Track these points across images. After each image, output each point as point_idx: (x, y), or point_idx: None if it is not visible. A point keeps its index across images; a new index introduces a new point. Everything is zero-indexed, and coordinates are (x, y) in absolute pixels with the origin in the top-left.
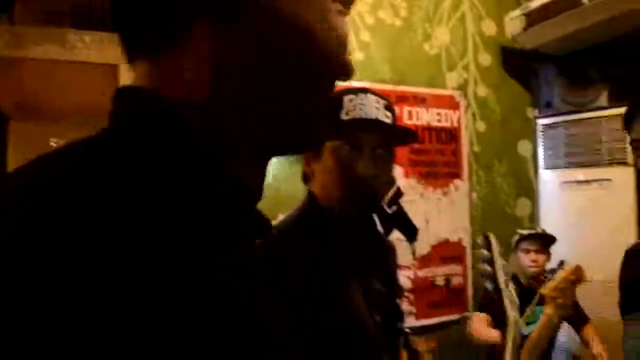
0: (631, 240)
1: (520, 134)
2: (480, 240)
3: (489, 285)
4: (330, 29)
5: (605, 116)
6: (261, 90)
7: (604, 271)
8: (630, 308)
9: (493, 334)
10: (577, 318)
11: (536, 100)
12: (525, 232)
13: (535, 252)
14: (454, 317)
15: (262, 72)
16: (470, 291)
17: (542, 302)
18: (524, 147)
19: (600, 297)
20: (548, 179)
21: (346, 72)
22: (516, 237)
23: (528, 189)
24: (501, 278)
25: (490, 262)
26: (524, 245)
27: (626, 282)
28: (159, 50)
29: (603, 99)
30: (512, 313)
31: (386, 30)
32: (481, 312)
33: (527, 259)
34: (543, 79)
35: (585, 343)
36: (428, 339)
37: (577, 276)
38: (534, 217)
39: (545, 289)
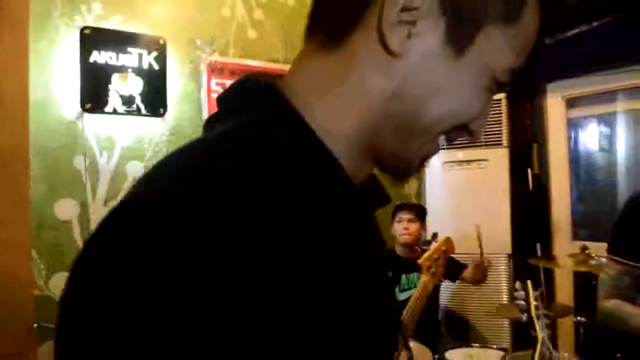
0: (506, 214)
1: None
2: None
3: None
4: (477, 108)
5: None
6: (403, 125)
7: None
8: (614, 249)
9: None
10: (456, 269)
11: None
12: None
13: (407, 220)
14: None
15: (423, 106)
16: None
17: (416, 269)
18: None
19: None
20: (433, 159)
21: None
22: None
23: None
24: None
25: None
26: (399, 214)
27: (619, 224)
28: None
29: None
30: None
31: (280, 9)
32: None
33: (400, 227)
34: None
35: (468, 275)
36: None
37: (448, 247)
38: (420, 194)
39: (422, 259)
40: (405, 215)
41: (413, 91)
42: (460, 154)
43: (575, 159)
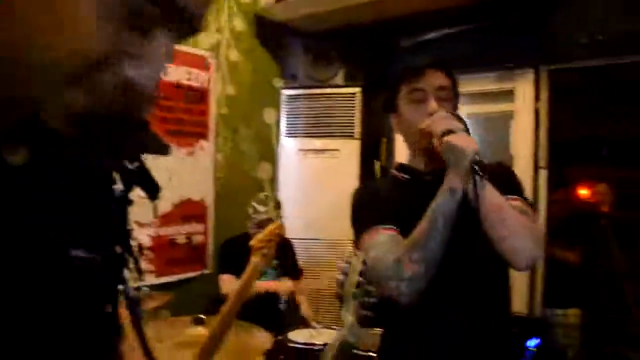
0: None
1: (267, 101)
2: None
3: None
4: None
5: (341, 93)
6: None
7: (329, 230)
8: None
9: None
10: (293, 270)
11: (283, 72)
12: (257, 217)
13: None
14: (194, 274)
15: None
16: (210, 248)
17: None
18: (269, 114)
19: (325, 252)
20: (288, 146)
21: None
22: (251, 215)
23: (270, 154)
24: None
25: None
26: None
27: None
28: None
29: (340, 78)
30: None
31: None
32: (226, 272)
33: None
34: (291, 52)
35: (296, 299)
36: (164, 295)
37: (280, 231)
38: (274, 180)
39: (253, 241)
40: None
41: None
42: (316, 143)
43: None
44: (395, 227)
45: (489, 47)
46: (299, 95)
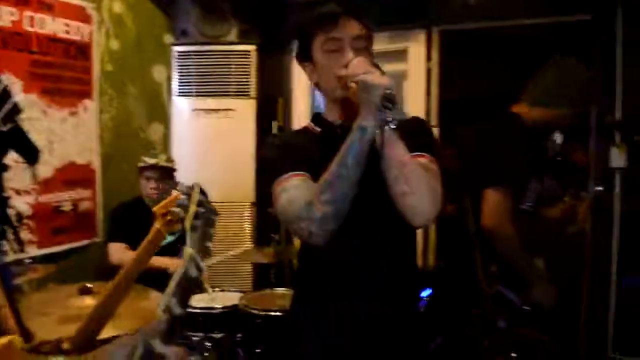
0: (251, 164)
1: (156, 58)
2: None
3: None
4: None
5: (235, 51)
6: None
7: (226, 192)
8: None
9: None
10: None
11: (173, 27)
12: (147, 161)
13: (155, 180)
14: (83, 242)
15: None
16: (100, 215)
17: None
18: (158, 71)
19: (222, 214)
20: (180, 106)
21: None
22: (140, 164)
23: (161, 114)
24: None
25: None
26: (146, 173)
27: None
28: None
29: (233, 35)
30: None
31: None
32: (116, 240)
33: (148, 187)
34: (181, 7)
35: None
36: (47, 266)
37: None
38: (166, 142)
39: (157, 207)
40: (153, 175)
41: None
42: (210, 102)
43: None
44: (306, 173)
45: (382, 7)
46: (190, 52)
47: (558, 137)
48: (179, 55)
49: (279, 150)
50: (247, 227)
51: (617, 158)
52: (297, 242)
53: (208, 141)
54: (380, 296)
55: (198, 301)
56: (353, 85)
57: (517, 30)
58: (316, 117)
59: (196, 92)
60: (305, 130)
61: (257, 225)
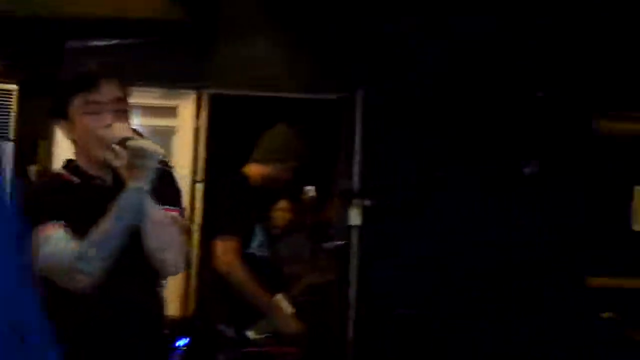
0: None
1: None
2: None
3: None
4: None
5: None
6: None
7: None
8: None
9: None
10: None
11: None
12: None
13: None
14: None
15: None
16: None
17: None
18: None
19: None
20: None
21: None
22: None
23: None
24: None
25: None
26: None
27: None
28: None
29: None
30: None
31: None
32: None
33: None
34: None
35: None
36: None
37: None
38: None
39: None
40: None
41: None
42: None
43: None
44: (65, 224)
45: (157, 63)
46: None
47: (310, 190)
48: None
49: (38, 197)
50: None
51: (355, 217)
52: None
53: None
54: (128, 338)
55: None
56: (117, 147)
57: (275, 101)
58: (70, 165)
59: None
60: (61, 178)
61: None
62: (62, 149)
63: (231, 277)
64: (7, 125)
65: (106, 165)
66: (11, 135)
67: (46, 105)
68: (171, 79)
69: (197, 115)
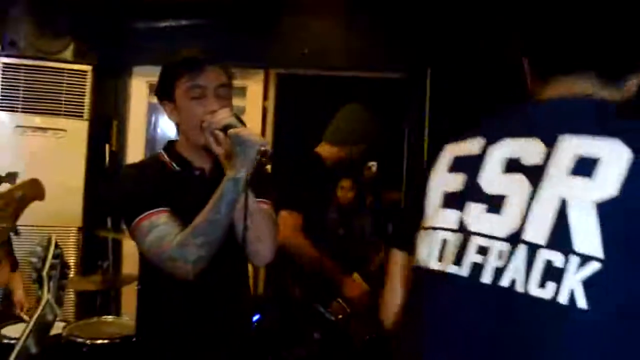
0: (79, 188)
1: None
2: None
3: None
4: None
5: (70, 70)
6: None
7: (51, 216)
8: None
9: None
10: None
11: (1, 36)
12: None
13: None
14: None
15: None
16: None
17: None
18: None
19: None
20: (3, 121)
21: None
22: None
23: None
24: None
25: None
26: None
27: None
28: None
29: (69, 52)
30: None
31: None
32: None
33: None
34: (11, 16)
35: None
36: None
37: (27, 192)
38: None
39: None
40: None
41: None
42: (37, 120)
43: (152, 140)
44: (167, 209)
45: (224, 44)
46: (19, 65)
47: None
48: (4, 67)
49: (138, 183)
50: (72, 253)
51: None
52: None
53: (34, 161)
54: (222, 320)
55: (14, 332)
56: (219, 134)
57: (342, 81)
58: (171, 150)
59: (23, 107)
60: (160, 164)
61: (84, 251)
62: (134, 129)
63: (290, 248)
64: (82, 105)
65: (206, 151)
66: (86, 115)
67: (118, 85)
68: (240, 59)
69: (265, 95)
